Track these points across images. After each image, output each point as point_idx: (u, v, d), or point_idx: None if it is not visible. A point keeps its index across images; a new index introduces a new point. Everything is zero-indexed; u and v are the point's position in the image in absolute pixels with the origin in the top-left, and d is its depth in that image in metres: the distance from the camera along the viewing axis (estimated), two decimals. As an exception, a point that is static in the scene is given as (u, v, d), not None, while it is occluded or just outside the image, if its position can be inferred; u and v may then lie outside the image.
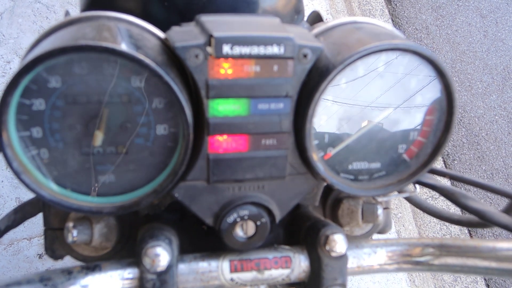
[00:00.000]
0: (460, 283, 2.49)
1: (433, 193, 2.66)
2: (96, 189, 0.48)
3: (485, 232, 2.58)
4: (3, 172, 1.84)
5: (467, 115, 3.03)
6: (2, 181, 1.83)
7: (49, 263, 1.74)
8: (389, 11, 3.39)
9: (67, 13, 0.74)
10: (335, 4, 2.95)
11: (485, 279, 2.52)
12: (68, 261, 0.61)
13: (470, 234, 2.61)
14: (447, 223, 2.66)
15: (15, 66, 2.10)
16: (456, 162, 2.85)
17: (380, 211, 0.62)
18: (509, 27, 3.46)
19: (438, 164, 2.83)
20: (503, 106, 3.08)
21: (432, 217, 2.64)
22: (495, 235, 2.56)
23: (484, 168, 2.83)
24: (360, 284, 2.06)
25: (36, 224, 1.81)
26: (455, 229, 2.62)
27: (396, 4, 3.44)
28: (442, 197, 2.62)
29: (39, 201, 0.61)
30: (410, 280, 2.23)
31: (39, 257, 1.75)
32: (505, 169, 2.84)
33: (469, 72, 3.19)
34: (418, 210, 2.64)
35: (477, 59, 3.25)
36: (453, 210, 2.47)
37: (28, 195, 1.83)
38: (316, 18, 0.79)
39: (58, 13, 2.31)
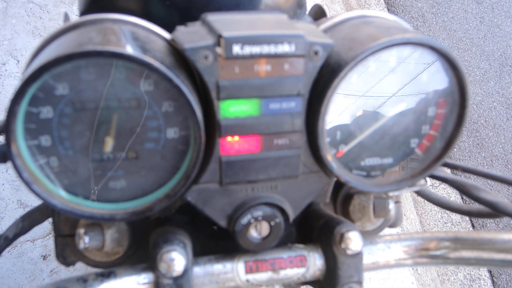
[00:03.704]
0: (463, 270, 2.51)
1: (432, 181, 2.66)
2: (96, 192, 0.48)
3: (487, 222, 2.58)
4: (4, 175, 1.83)
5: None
6: (3, 184, 1.81)
7: (53, 265, 1.74)
8: (384, 0, 3.37)
9: (66, 16, 0.72)
10: (330, -5, 2.93)
11: (487, 266, 2.53)
12: (79, 267, 0.60)
13: (472, 223, 2.61)
14: (448, 212, 2.67)
15: (10, 68, 2.07)
16: (455, 149, 2.85)
17: (391, 205, 0.61)
18: (505, 13, 3.45)
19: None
20: (501, 92, 3.09)
21: (433, 206, 2.64)
22: (499, 226, 2.56)
23: (483, 155, 2.84)
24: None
25: (39, 226, 1.80)
26: (456, 217, 2.63)
27: (391, -7, 3.42)
28: (441, 185, 2.60)
29: (47, 207, 0.60)
30: (413, 267, 2.24)
31: (43, 259, 1.75)
32: (505, 156, 2.84)
33: (466, 59, 3.19)
34: (419, 199, 2.64)
35: (474, 46, 3.25)
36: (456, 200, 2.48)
37: (30, 197, 1.82)
38: (318, 11, 0.78)
39: (52, 12, 2.28)
